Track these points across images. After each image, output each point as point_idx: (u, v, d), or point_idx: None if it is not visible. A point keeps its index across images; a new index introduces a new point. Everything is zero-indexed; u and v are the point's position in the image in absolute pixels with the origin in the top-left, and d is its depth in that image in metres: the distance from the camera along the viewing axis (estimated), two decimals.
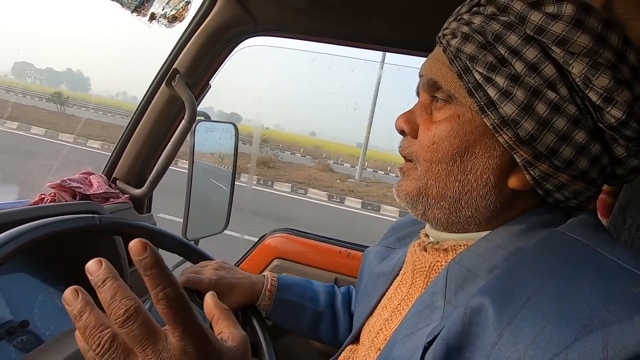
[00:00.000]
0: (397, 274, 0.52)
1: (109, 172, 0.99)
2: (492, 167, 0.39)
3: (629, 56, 0.35)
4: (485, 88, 0.37)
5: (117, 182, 0.99)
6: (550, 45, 0.35)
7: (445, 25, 0.43)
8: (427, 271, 0.45)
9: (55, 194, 0.85)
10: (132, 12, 0.72)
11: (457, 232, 0.44)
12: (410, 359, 0.36)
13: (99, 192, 0.89)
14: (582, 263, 0.32)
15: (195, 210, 1.06)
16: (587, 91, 0.35)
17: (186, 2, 0.79)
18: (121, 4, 0.69)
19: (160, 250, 0.73)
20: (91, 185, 0.91)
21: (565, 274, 0.31)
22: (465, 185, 0.40)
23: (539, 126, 0.36)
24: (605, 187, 0.60)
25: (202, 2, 0.84)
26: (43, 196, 0.85)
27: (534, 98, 0.36)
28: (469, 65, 0.38)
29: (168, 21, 0.79)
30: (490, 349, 0.30)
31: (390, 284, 0.52)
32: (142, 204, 1.02)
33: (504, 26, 0.37)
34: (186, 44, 0.87)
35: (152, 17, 0.76)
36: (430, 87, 0.43)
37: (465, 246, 0.42)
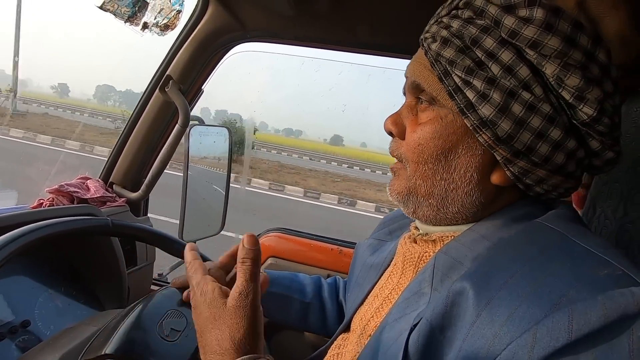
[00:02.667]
0: (388, 265, 0.54)
1: (105, 177, 1.02)
2: (474, 165, 0.41)
3: (599, 55, 0.37)
4: (464, 91, 0.39)
5: (114, 186, 1.02)
6: (524, 48, 0.37)
7: (427, 27, 0.45)
8: (416, 261, 0.47)
9: (53, 198, 0.87)
10: (125, 22, 0.74)
11: (446, 225, 0.46)
12: (397, 339, 0.39)
13: (96, 196, 0.92)
14: (555, 249, 0.35)
15: (191, 212, 1.08)
16: (560, 90, 0.37)
17: (177, 11, 0.82)
18: (115, 15, 0.72)
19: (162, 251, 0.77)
20: (88, 189, 0.93)
21: (540, 260, 0.34)
22: (451, 183, 0.42)
23: (516, 125, 0.37)
24: None
25: (193, 11, 0.87)
26: (42, 201, 0.88)
27: (509, 99, 0.37)
28: (449, 69, 0.40)
29: (160, 30, 0.82)
30: (470, 327, 0.32)
31: (381, 275, 0.54)
32: (139, 207, 1.04)
33: (480, 30, 0.39)
34: (178, 51, 0.90)
35: (145, 26, 0.79)
36: (414, 89, 0.45)
37: (452, 237, 0.44)
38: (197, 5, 0.86)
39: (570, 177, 0.41)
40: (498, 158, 0.40)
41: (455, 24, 0.41)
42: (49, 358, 0.53)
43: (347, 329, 0.57)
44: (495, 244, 0.40)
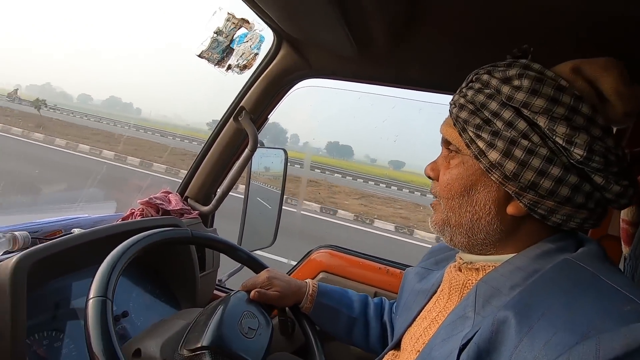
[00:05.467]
0: (435, 292, 0.62)
1: (182, 191, 1.17)
2: (491, 199, 0.51)
3: (582, 109, 0.46)
4: (476, 142, 0.50)
5: (188, 199, 1.17)
6: (519, 108, 0.47)
7: (453, 97, 0.57)
8: (460, 288, 0.55)
9: (143, 209, 1.03)
10: (214, 65, 0.89)
11: (484, 255, 0.55)
12: (447, 358, 0.45)
13: (176, 208, 1.06)
14: (586, 286, 0.41)
15: (249, 225, 1.21)
16: (554, 137, 0.46)
17: (255, 54, 0.96)
18: (208, 60, 0.87)
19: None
20: (170, 202, 1.08)
21: (573, 294, 0.40)
22: (474, 214, 0.53)
23: (519, 166, 0.47)
24: (625, 217, 0.67)
25: (267, 52, 1.01)
26: (133, 210, 1.04)
27: (511, 146, 0.48)
28: (465, 126, 0.51)
29: (240, 69, 0.97)
30: (513, 351, 0.38)
31: (429, 300, 0.62)
32: (208, 219, 1.18)
33: (486, 96, 0.50)
34: (252, 86, 1.04)
35: (229, 67, 0.93)
36: (445, 143, 0.57)
37: (493, 267, 0.52)
38: (271, 48, 0.99)
39: (583, 208, 0.48)
40: (510, 192, 0.50)
41: (470, 93, 0.52)
42: (152, 343, 0.65)
43: (396, 346, 0.64)
44: (530, 274, 0.47)
